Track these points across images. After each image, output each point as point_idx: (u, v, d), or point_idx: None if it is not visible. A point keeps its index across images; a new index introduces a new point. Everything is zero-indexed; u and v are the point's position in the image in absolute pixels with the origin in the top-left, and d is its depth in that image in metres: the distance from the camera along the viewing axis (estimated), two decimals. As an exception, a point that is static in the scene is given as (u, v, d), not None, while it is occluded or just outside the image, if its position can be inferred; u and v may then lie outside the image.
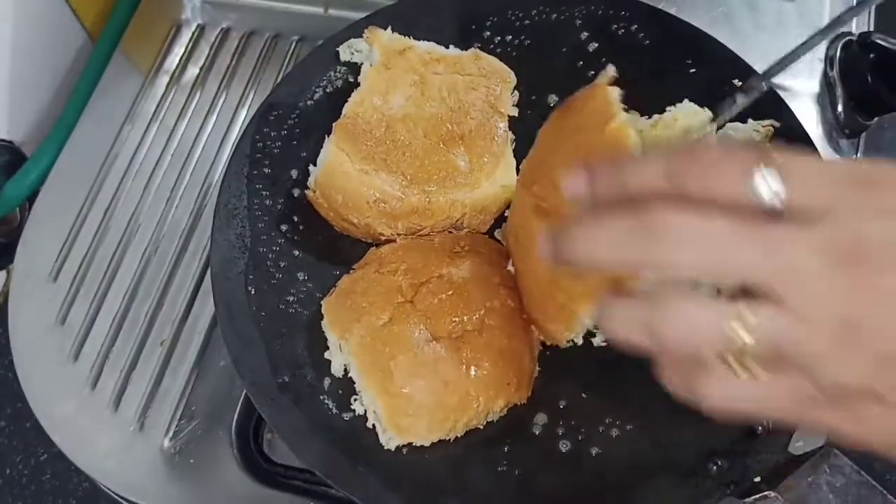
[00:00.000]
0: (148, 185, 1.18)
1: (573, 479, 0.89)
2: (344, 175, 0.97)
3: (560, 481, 0.89)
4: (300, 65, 1.09)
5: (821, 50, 1.20)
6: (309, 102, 1.07)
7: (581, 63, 1.10)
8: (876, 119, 1.18)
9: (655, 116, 1.03)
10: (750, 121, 1.02)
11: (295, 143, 1.05)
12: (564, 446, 0.91)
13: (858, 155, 1.19)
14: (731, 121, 1.02)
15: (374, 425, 0.90)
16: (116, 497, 1.00)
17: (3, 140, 1.25)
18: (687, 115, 1.03)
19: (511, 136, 1.02)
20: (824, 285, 0.50)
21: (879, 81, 1.14)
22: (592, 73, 1.08)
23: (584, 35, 1.10)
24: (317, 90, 1.08)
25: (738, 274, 0.52)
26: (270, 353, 0.93)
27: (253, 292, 0.96)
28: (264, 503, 0.98)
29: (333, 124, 1.00)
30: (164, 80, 1.28)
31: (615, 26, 1.09)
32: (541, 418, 0.92)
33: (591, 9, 1.10)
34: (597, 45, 1.10)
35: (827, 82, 1.19)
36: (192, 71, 1.28)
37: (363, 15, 1.12)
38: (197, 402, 1.04)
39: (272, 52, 1.28)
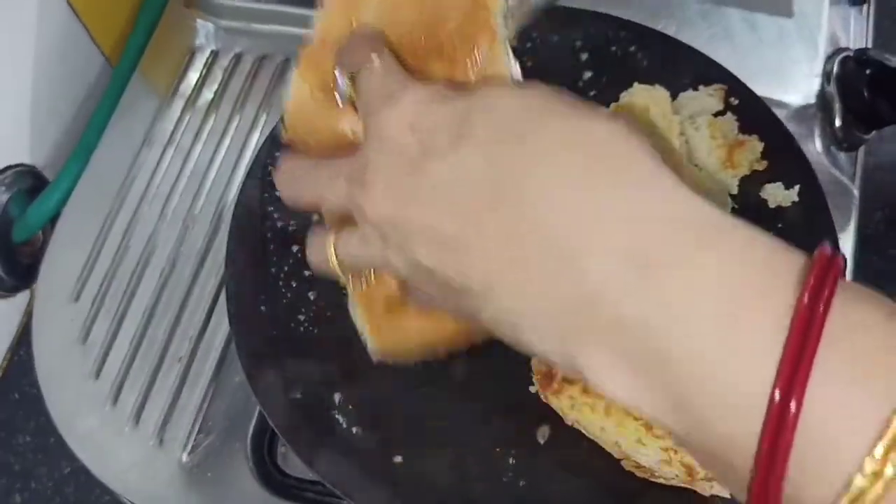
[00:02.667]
0: (165, 207, 1.22)
1: (579, 488, 0.91)
2: (313, 112, 0.83)
3: (566, 490, 0.91)
4: None
5: (818, 66, 1.22)
6: None
7: (581, 84, 1.13)
8: (874, 133, 1.20)
9: (612, 105, 1.08)
10: (701, 87, 1.07)
11: None
12: (570, 456, 0.93)
13: (858, 168, 1.21)
14: (682, 91, 1.07)
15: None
16: (137, 509, 1.04)
17: (26, 165, 1.29)
18: (642, 96, 1.07)
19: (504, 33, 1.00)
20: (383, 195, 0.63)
21: (877, 96, 1.17)
22: (594, 93, 1.12)
23: (584, 56, 1.13)
24: None
25: (332, 205, 0.68)
26: (283, 370, 0.96)
27: (265, 311, 1.00)
28: (279, 514, 1.01)
29: (297, 49, 0.86)
30: (179, 104, 1.32)
31: (614, 48, 1.12)
32: (544, 430, 0.95)
33: (591, 31, 1.13)
34: (597, 64, 1.12)
35: (824, 98, 1.21)
36: (207, 95, 1.32)
37: (371, 38, 1.15)
38: (214, 417, 1.07)
39: (284, 76, 1.32)
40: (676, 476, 0.86)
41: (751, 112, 1.07)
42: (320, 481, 0.92)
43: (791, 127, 1.08)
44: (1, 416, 1.24)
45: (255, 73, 1.33)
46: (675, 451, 0.87)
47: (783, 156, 1.04)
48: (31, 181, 1.29)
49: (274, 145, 1.08)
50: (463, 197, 0.58)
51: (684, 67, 1.10)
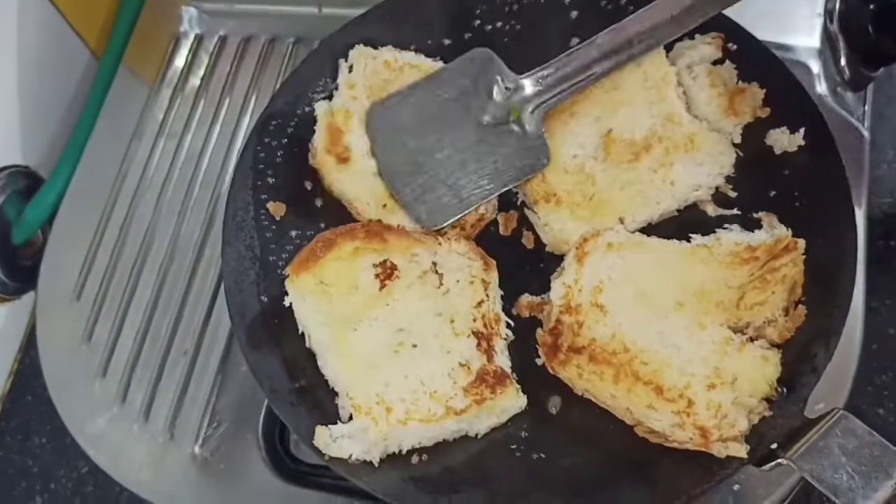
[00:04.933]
0: (160, 199, 1.21)
1: (594, 458, 0.90)
2: None
3: (581, 461, 0.90)
4: (294, 73, 1.10)
5: (819, 5, 1.18)
6: (307, 109, 1.08)
7: (576, 41, 1.09)
8: (882, 70, 1.16)
9: None
10: (697, 35, 1.04)
11: (296, 150, 1.06)
12: (583, 425, 0.92)
13: (867, 107, 1.17)
14: (679, 40, 1.03)
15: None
16: (155, 504, 1.04)
17: (20, 165, 1.28)
18: None
19: None
20: None
21: (882, 32, 1.12)
22: (577, 40, 1.08)
23: (574, 14, 1.09)
24: (313, 96, 1.09)
25: None
26: (285, 358, 0.95)
27: (266, 300, 0.99)
28: (294, 501, 1.01)
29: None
30: (167, 92, 1.30)
31: (604, 1, 1.08)
32: (555, 401, 0.94)
33: None
34: (587, 22, 1.09)
35: (828, 37, 1.17)
36: (194, 81, 1.30)
37: (358, 12, 1.13)
38: (223, 409, 1.07)
39: (270, 56, 1.30)
40: (690, 439, 0.85)
41: (750, 57, 1.03)
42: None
43: (795, 70, 1.04)
44: (16, 420, 1.24)
45: (240, 55, 1.31)
46: (688, 415, 0.85)
47: (787, 100, 1.01)
48: (25, 181, 1.28)
49: (263, 132, 1.06)
50: None
51: None
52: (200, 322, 1.11)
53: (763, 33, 1.06)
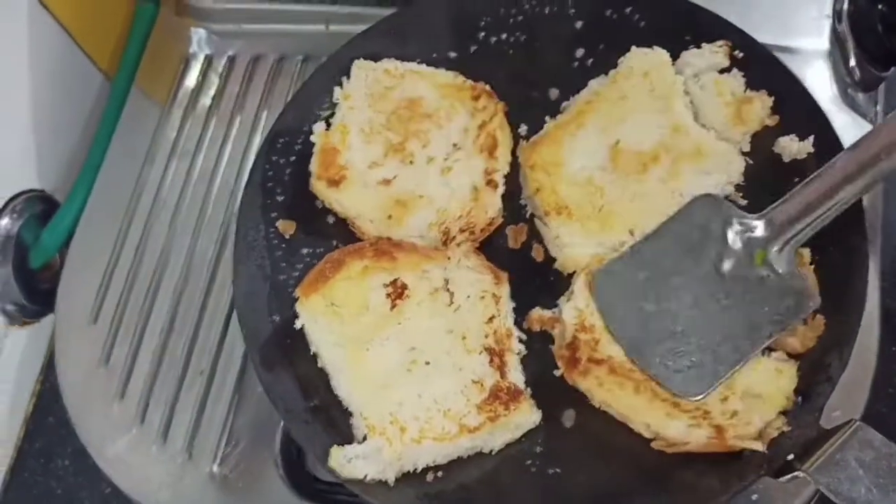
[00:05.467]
0: (174, 220, 1.22)
1: (609, 472, 0.90)
2: None
3: (597, 476, 0.90)
4: (300, 91, 1.11)
5: (827, 5, 1.17)
6: (314, 126, 1.08)
7: (581, 52, 1.09)
8: (893, 69, 1.15)
9: (611, 72, 1.04)
10: (704, 44, 1.04)
11: (305, 167, 1.07)
12: (597, 438, 0.91)
13: (879, 108, 1.16)
14: (684, 49, 1.04)
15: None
16: (176, 524, 1.05)
17: (36, 190, 1.29)
18: (640, 59, 1.03)
19: None
20: None
21: (891, 31, 1.12)
22: (591, 61, 1.08)
23: (579, 24, 1.09)
24: (320, 112, 1.10)
25: None
26: (298, 377, 0.96)
27: (277, 320, 0.99)
28: (313, 520, 1.01)
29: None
30: (179, 112, 1.31)
31: (609, 11, 1.08)
32: (570, 414, 0.93)
33: None
34: (592, 32, 1.09)
35: (836, 37, 1.16)
36: (205, 101, 1.31)
37: (364, 28, 1.13)
38: (240, 427, 1.08)
39: (279, 75, 1.31)
40: (707, 437, 0.85)
41: (758, 65, 1.02)
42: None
43: (803, 72, 1.05)
44: (39, 442, 1.25)
45: (250, 75, 1.32)
46: (704, 417, 0.86)
47: (794, 107, 1.00)
48: (41, 206, 1.29)
49: (271, 150, 1.07)
50: None
51: (684, 25, 1.06)
52: (216, 342, 1.12)
53: (770, 36, 1.06)
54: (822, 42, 1.16)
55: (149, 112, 1.33)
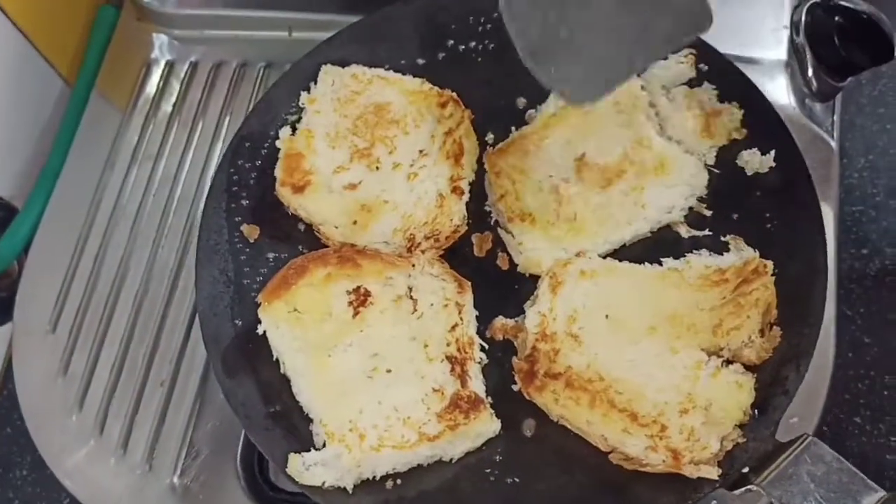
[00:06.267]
0: (134, 227, 1.21)
1: (568, 482, 0.90)
2: None
3: (555, 486, 0.90)
4: (266, 95, 1.11)
5: (785, 17, 1.19)
6: (280, 131, 1.08)
7: None
8: (850, 79, 1.17)
9: None
10: (671, 56, 1.04)
11: (270, 171, 1.06)
12: (557, 449, 0.92)
13: (835, 118, 1.18)
14: None
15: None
16: (136, 536, 1.04)
17: (-8, 196, 1.27)
18: None
19: None
20: None
21: (847, 43, 1.13)
22: None
23: None
24: (287, 117, 1.10)
25: None
26: (260, 383, 0.95)
27: (240, 324, 0.99)
28: (275, 530, 1.00)
29: None
30: (139, 119, 1.30)
31: None
32: (530, 423, 0.94)
33: None
34: None
35: (794, 49, 1.18)
36: (166, 108, 1.30)
37: (328, 35, 1.13)
38: (201, 438, 1.07)
39: (241, 81, 1.30)
40: (663, 461, 0.85)
41: (725, 78, 1.04)
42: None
43: (762, 83, 1.06)
44: (-4, 453, 1.23)
45: (212, 81, 1.31)
46: (661, 438, 0.86)
47: (757, 121, 1.02)
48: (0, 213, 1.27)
49: (237, 154, 1.06)
50: None
51: None
52: (176, 352, 1.11)
53: (729, 47, 1.07)
54: (781, 53, 1.18)
55: (109, 118, 1.31)
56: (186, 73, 1.32)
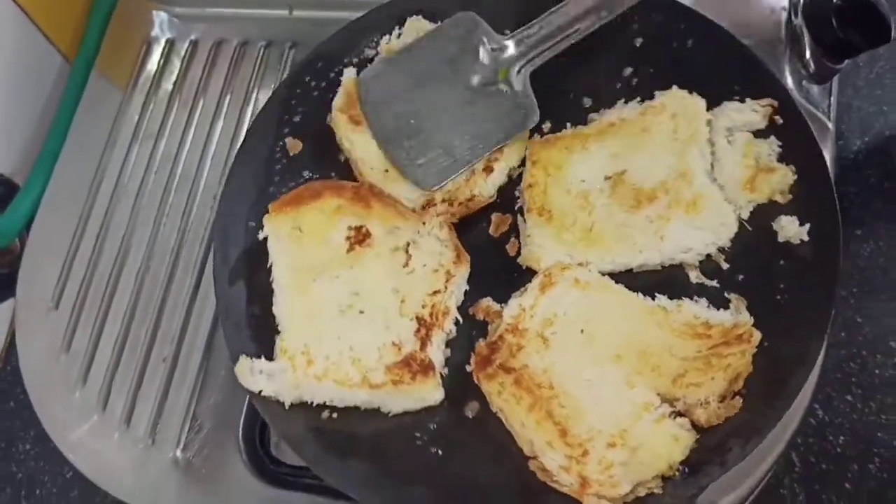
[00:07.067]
0: (136, 205, 1.22)
1: (485, 470, 0.91)
2: None
3: (472, 469, 0.91)
4: (354, 22, 1.13)
5: (783, -1, 1.19)
6: (355, 59, 1.12)
7: (629, 71, 1.09)
8: (847, 62, 1.17)
9: (645, 102, 1.04)
10: (748, 100, 1.02)
11: (332, 96, 1.09)
12: (488, 438, 0.92)
13: (832, 100, 1.18)
14: (727, 98, 1.01)
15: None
16: (139, 508, 1.06)
17: (-7, 173, 1.28)
18: (675, 100, 1.03)
19: None
20: None
21: (846, 24, 1.13)
22: (635, 81, 1.08)
23: (638, 42, 1.09)
24: (364, 49, 1.13)
25: None
26: (251, 284, 1.00)
27: (252, 226, 1.03)
28: (275, 503, 1.02)
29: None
30: (140, 97, 1.30)
31: (670, 37, 1.08)
32: (474, 406, 0.94)
33: (651, 16, 1.08)
34: (647, 54, 1.08)
35: (792, 30, 1.18)
36: (167, 85, 1.31)
37: (329, 14, 1.14)
38: (203, 413, 1.08)
39: (242, 59, 1.31)
40: (571, 485, 0.85)
41: (794, 138, 1.00)
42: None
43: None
44: (0, 427, 1.24)
45: (212, 59, 1.31)
46: (578, 462, 0.86)
47: (811, 192, 0.97)
48: (0, 189, 1.28)
49: (306, 69, 1.10)
50: None
51: (739, 74, 1.04)
52: (179, 328, 1.12)
53: (726, 27, 1.06)
54: (779, 35, 1.18)
55: (110, 96, 1.32)
56: (187, 51, 1.33)
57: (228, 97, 1.28)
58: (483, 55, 1.06)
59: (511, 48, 1.05)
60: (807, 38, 1.17)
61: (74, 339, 1.14)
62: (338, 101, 1.08)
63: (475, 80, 1.06)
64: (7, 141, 1.31)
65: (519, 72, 1.05)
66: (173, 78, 1.31)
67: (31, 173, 1.28)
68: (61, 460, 1.12)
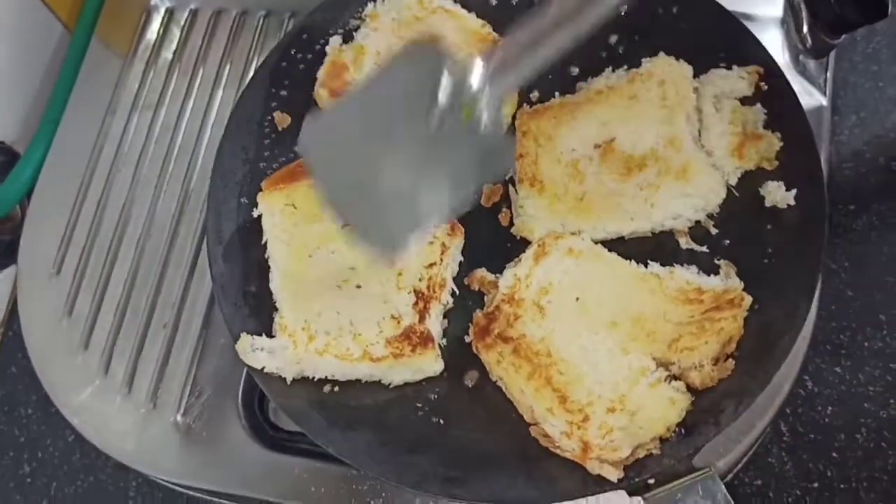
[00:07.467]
0: (136, 173, 1.23)
1: (486, 437, 0.93)
2: None
3: (473, 437, 0.93)
4: None
5: (783, -27, 1.19)
6: (340, 31, 1.12)
7: (614, 38, 1.10)
8: (844, 37, 1.18)
9: (632, 70, 1.05)
10: (735, 67, 1.03)
11: (317, 69, 1.09)
12: (488, 406, 0.94)
13: (829, 74, 1.19)
14: (714, 65, 1.03)
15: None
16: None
17: (-6, 141, 1.29)
18: (663, 67, 1.04)
19: None
20: None
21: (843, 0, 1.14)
22: (621, 49, 1.08)
23: (623, 9, 1.08)
24: (350, 20, 1.13)
25: None
26: (246, 261, 1.01)
27: (245, 203, 1.04)
28: (274, 467, 1.04)
29: None
30: (140, 65, 1.31)
31: (656, 4, 1.08)
32: (473, 375, 0.96)
33: None
34: (633, 22, 1.08)
35: (790, 5, 1.19)
36: (167, 54, 1.31)
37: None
38: (203, 378, 1.10)
39: (241, 29, 1.31)
40: (573, 450, 0.87)
41: (780, 105, 1.01)
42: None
43: (758, 38, 1.06)
44: (2, 391, 1.26)
45: (212, 29, 1.31)
46: (579, 427, 0.88)
47: (796, 158, 0.99)
48: (1, 157, 1.29)
49: (293, 42, 1.10)
50: None
51: (724, 41, 1.05)
52: (179, 293, 1.14)
53: (726, 2, 1.07)
54: (776, 9, 1.19)
55: (110, 64, 1.32)
56: (186, 20, 1.33)
57: (228, 67, 1.28)
58: (442, 95, 0.81)
59: (474, 81, 0.80)
60: (804, 13, 1.17)
61: (76, 305, 1.15)
62: (320, 74, 1.08)
63: (434, 124, 0.81)
64: (7, 109, 1.31)
65: (486, 109, 0.81)
66: (173, 47, 1.31)
67: (31, 141, 1.29)
68: (63, 424, 1.13)
